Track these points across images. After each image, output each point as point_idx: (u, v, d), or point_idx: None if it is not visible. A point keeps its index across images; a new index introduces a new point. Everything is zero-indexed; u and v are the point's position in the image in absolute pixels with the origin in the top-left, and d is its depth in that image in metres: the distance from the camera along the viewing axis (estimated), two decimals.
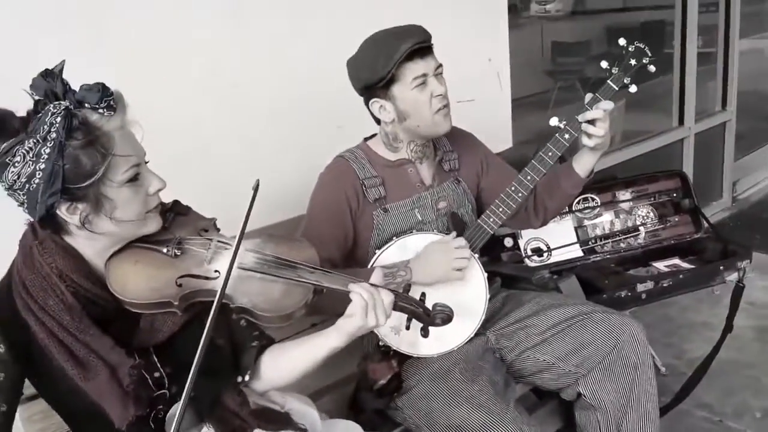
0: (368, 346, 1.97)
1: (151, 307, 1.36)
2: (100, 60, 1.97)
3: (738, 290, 2.59)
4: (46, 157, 1.22)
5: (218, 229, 1.50)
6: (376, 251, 1.97)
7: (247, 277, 1.41)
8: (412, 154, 2.06)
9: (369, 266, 1.95)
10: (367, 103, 2.00)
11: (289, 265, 1.45)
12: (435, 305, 1.56)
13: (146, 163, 1.37)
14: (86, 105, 1.26)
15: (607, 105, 1.96)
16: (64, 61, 1.29)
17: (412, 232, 2.00)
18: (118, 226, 1.33)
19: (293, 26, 2.42)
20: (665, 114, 4.69)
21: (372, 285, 1.49)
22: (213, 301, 1.32)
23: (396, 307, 1.52)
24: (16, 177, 1.24)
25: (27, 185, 1.24)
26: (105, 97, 1.26)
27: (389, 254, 1.96)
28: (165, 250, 1.40)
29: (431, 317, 1.55)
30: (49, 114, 1.23)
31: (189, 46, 2.18)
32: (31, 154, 1.22)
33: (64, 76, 1.27)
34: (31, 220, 1.34)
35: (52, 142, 1.22)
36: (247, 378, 1.53)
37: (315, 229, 1.96)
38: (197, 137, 2.20)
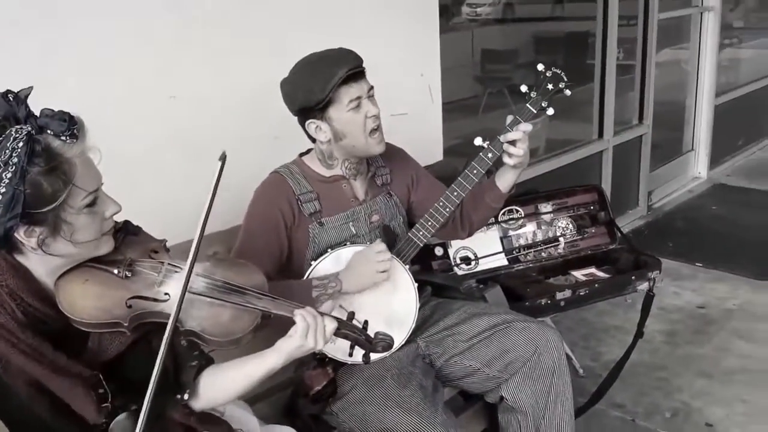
0: (304, 355, 2.04)
1: (100, 327, 1.38)
2: (49, 72, 2.01)
3: (648, 299, 2.76)
4: (6, 181, 1.21)
5: (168, 251, 1.53)
6: (312, 263, 2.06)
7: (196, 301, 1.45)
8: (346, 171, 2.15)
9: (305, 277, 2.04)
10: (302, 124, 2.08)
11: (237, 290, 1.49)
12: (377, 333, 1.63)
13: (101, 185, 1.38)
14: (49, 131, 1.26)
15: (526, 127, 2.09)
16: (32, 87, 1.29)
17: (346, 244, 2.09)
18: (75, 248, 1.34)
19: (234, 43, 2.48)
20: (586, 122, 4.86)
21: (317, 311, 1.55)
22: (161, 322, 1.36)
23: (339, 334, 1.58)
24: None
25: None
26: (70, 126, 1.27)
27: (324, 266, 2.05)
28: (116, 271, 1.42)
29: (373, 345, 1.62)
30: (11, 139, 1.22)
31: (137, 59, 2.23)
32: None
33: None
34: None
35: (14, 167, 1.21)
36: (186, 396, 1.53)
37: (250, 243, 2.03)
38: (137, 147, 2.22)
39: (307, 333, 1.51)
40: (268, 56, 2.54)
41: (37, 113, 1.28)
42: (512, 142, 2.08)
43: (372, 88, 2.07)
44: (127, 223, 1.51)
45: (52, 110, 1.28)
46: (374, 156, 2.20)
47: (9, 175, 1.22)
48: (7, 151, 1.22)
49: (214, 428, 1.53)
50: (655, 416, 2.93)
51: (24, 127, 1.24)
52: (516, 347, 2.12)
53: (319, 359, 2.02)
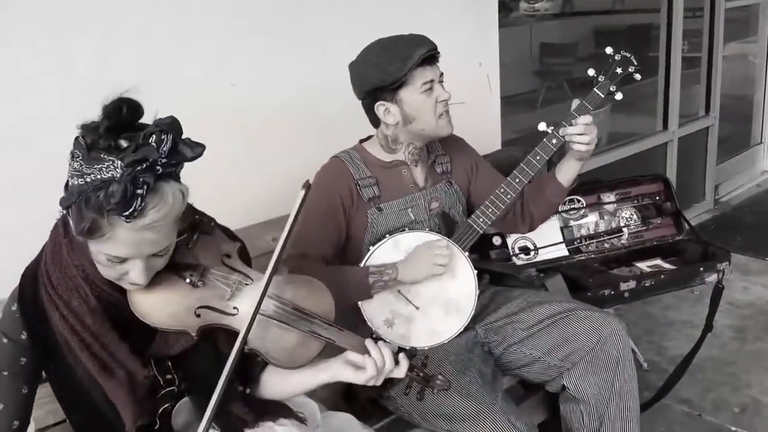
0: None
1: (167, 330, 1.40)
2: (108, 57, 2.05)
3: (717, 291, 2.66)
4: (75, 183, 1.23)
5: (241, 255, 1.51)
6: (370, 248, 2.05)
7: (263, 322, 1.44)
8: (409, 156, 2.14)
9: (362, 263, 2.02)
10: (371, 106, 2.07)
11: (306, 317, 1.48)
12: (435, 375, 1.59)
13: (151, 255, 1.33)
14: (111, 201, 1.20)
15: (585, 119, 2.06)
16: (169, 137, 1.23)
17: (404, 230, 2.08)
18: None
19: (292, 35, 2.49)
20: (650, 115, 4.77)
21: (392, 353, 1.51)
22: (227, 327, 1.39)
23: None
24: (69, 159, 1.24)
25: (68, 170, 1.25)
26: (126, 210, 1.20)
27: (382, 251, 2.04)
28: (188, 280, 1.41)
29: (431, 385, 1.59)
30: (103, 165, 1.20)
31: (191, 48, 2.26)
32: (72, 169, 1.23)
33: None
34: (63, 213, 1.34)
35: (84, 183, 1.21)
36: (248, 391, 1.56)
37: (309, 227, 2.03)
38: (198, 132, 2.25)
39: (372, 378, 1.50)
40: (326, 48, 2.57)
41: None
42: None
43: (442, 74, 2.07)
44: (201, 221, 1.47)
45: (142, 183, 1.21)
46: (434, 143, 2.19)
47: (77, 183, 1.22)
48: (91, 169, 1.21)
49: (270, 416, 1.52)
50: (723, 411, 2.84)
51: (119, 169, 1.20)
52: (578, 336, 2.07)
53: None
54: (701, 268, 2.74)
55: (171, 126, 1.24)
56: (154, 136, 1.21)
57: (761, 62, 5.76)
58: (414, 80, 2.00)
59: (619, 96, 2.11)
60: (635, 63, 2.12)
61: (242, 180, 2.38)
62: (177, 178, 1.29)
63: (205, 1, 2.27)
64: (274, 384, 1.59)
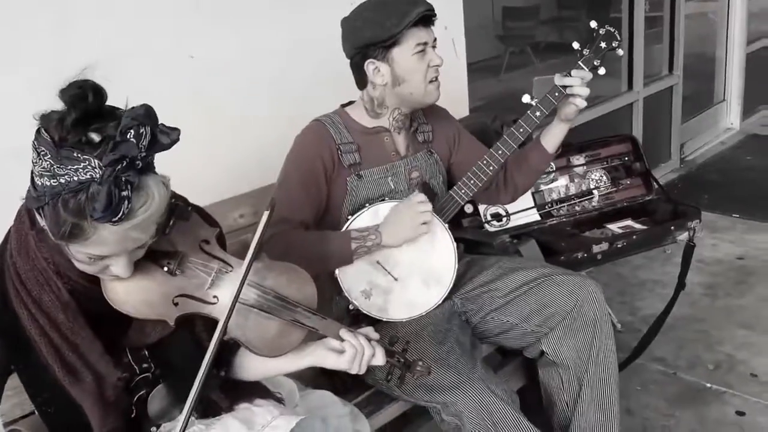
0: (338, 311, 2.01)
1: (145, 319, 1.36)
2: (65, 29, 1.96)
3: (689, 249, 2.67)
4: (46, 184, 1.15)
5: (219, 240, 1.45)
6: (349, 217, 2.00)
7: (245, 310, 1.40)
8: (393, 122, 2.09)
9: (342, 230, 1.98)
10: (360, 64, 2.01)
11: (288, 306, 1.44)
12: (415, 361, 1.59)
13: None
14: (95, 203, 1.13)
15: (587, 74, 2.06)
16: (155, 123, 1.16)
17: (384, 199, 2.03)
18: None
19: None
20: (614, 77, 4.76)
21: (368, 339, 1.50)
22: (206, 316, 1.36)
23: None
24: (33, 156, 1.16)
25: (33, 171, 1.18)
26: (113, 215, 1.13)
27: (361, 220, 1.99)
28: (165, 268, 1.36)
29: (411, 371, 1.59)
30: (78, 168, 1.12)
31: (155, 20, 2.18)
32: (39, 168, 1.15)
33: None
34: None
35: (57, 184, 1.13)
36: (223, 374, 1.52)
37: (289, 191, 1.98)
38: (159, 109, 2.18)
39: (354, 360, 1.47)
40: (290, 14, 2.48)
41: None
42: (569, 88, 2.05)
43: (436, 39, 2.03)
44: (177, 205, 1.35)
45: (125, 183, 1.13)
46: (416, 111, 2.15)
47: (48, 184, 1.14)
48: (65, 169, 1.12)
49: (247, 398, 1.50)
50: (697, 368, 2.87)
51: (98, 170, 1.12)
52: (555, 301, 2.06)
53: (354, 315, 1.99)
54: (672, 227, 2.75)
55: (147, 117, 1.15)
56: (132, 131, 1.13)
57: (722, 20, 5.78)
58: (408, 40, 1.95)
59: (602, 71, 2.11)
60: (618, 38, 2.12)
61: (207, 154, 2.32)
62: (154, 168, 1.23)
63: None
64: (253, 368, 1.55)
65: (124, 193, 1.13)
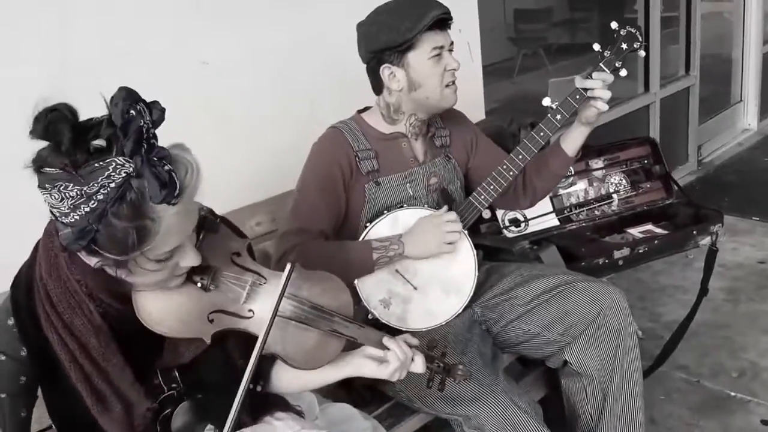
0: (357, 321, 1.97)
1: (179, 338, 1.31)
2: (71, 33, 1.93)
3: (711, 254, 2.63)
4: (83, 213, 1.08)
5: (251, 252, 1.41)
6: (367, 225, 1.96)
7: (282, 323, 1.36)
8: (410, 128, 2.05)
9: (360, 239, 1.95)
10: (376, 69, 1.97)
11: (325, 316, 1.40)
12: (455, 365, 1.57)
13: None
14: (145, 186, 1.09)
15: (608, 77, 2.00)
16: (163, 111, 1.13)
17: (402, 206, 1.99)
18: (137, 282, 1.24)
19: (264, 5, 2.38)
20: (630, 78, 4.70)
21: (410, 346, 1.47)
22: (243, 331, 1.32)
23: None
24: (51, 202, 1.11)
25: (58, 215, 1.12)
26: (169, 195, 1.09)
27: (380, 228, 1.96)
28: (199, 284, 1.30)
29: (452, 375, 1.56)
30: (106, 174, 1.07)
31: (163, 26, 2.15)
32: (69, 202, 1.08)
33: None
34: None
35: (96, 204, 1.08)
36: (259, 388, 1.49)
37: (307, 199, 1.95)
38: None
39: (398, 369, 1.44)
40: (300, 17, 2.45)
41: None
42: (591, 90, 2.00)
43: (453, 43, 1.99)
44: (206, 218, 1.33)
45: (160, 161, 1.10)
46: (435, 116, 2.10)
47: (87, 209, 1.08)
48: (97, 184, 1.07)
49: (267, 410, 1.46)
50: (721, 376, 2.81)
51: (127, 164, 1.08)
52: (578, 309, 2.02)
53: (373, 325, 1.94)
54: (694, 231, 2.70)
55: (131, 94, 1.10)
56: (130, 110, 1.08)
57: (737, 20, 5.71)
58: (423, 43, 1.91)
59: (623, 72, 2.04)
60: (640, 39, 2.05)
61: (225, 162, 2.29)
62: None
63: None
64: (287, 380, 1.52)
65: (167, 168, 1.10)
